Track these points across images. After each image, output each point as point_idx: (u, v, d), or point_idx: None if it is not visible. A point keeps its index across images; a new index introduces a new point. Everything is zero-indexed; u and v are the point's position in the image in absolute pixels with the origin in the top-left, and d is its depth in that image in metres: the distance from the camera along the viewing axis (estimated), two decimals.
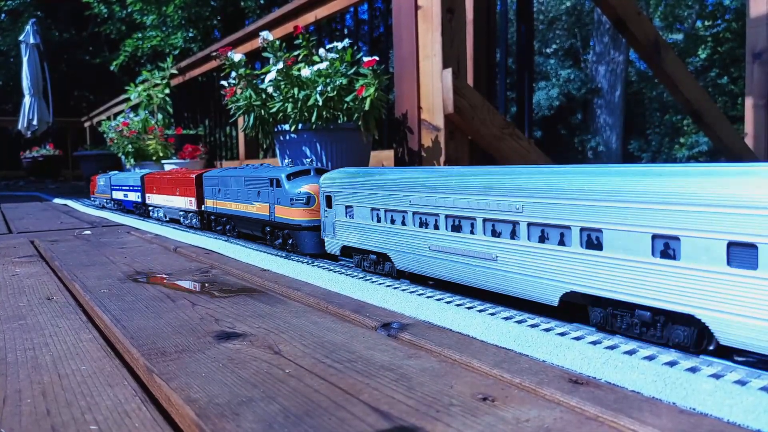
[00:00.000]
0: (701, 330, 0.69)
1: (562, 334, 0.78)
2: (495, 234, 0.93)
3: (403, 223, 1.14)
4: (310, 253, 1.51)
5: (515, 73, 2.88)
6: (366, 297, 1.06)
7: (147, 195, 2.81)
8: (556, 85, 15.87)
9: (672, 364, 0.66)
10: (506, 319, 0.87)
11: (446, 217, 1.03)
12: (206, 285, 1.26)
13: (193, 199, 2.22)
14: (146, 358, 0.77)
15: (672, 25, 15.93)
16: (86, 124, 10.38)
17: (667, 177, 0.71)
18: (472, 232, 0.97)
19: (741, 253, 0.64)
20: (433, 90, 2.23)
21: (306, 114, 2.16)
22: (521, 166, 1.13)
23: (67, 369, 0.76)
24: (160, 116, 5.45)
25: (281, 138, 2.32)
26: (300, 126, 2.20)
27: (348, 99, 2.13)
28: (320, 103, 2.10)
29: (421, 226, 1.09)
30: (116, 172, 3.65)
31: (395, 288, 1.10)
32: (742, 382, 0.60)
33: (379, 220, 1.21)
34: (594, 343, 0.74)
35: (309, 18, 3.38)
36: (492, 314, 0.89)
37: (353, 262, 1.34)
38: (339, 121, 2.19)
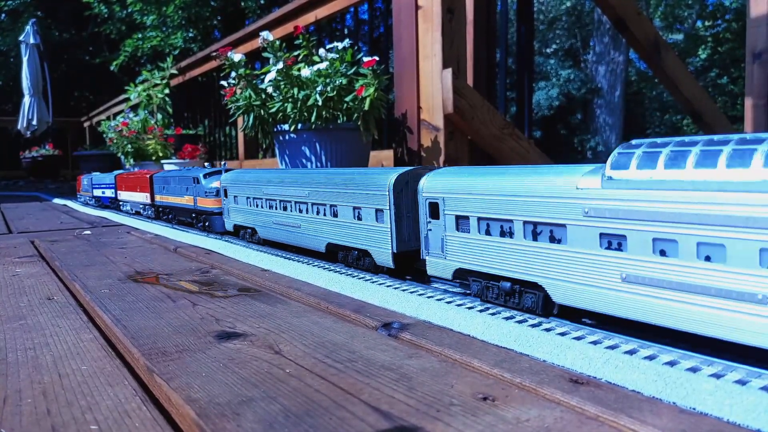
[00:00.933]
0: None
1: (563, 334, 0.78)
2: (300, 211, 1.48)
3: (261, 207, 1.68)
4: (219, 231, 2.02)
5: (515, 73, 2.88)
6: (366, 297, 1.06)
7: (118, 192, 3.27)
8: (556, 85, 15.87)
9: (672, 363, 0.66)
10: (507, 319, 0.87)
11: (279, 201, 1.57)
12: (207, 285, 1.26)
13: (148, 195, 2.70)
14: (147, 358, 0.77)
15: (672, 25, 15.94)
16: (86, 124, 10.39)
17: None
18: (291, 211, 1.51)
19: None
20: (433, 90, 2.23)
21: (306, 114, 2.17)
22: (311, 169, 1.80)
23: (68, 369, 0.76)
24: (159, 116, 5.45)
25: (281, 138, 2.32)
26: (299, 126, 2.20)
27: (348, 99, 2.13)
28: (320, 103, 2.10)
29: (269, 208, 1.63)
30: (97, 173, 4.08)
31: (396, 288, 1.10)
32: (742, 382, 0.60)
33: (250, 205, 1.74)
34: (594, 343, 0.74)
35: (309, 18, 3.38)
36: (493, 314, 0.89)
37: (240, 236, 1.87)
38: (339, 121, 2.19)
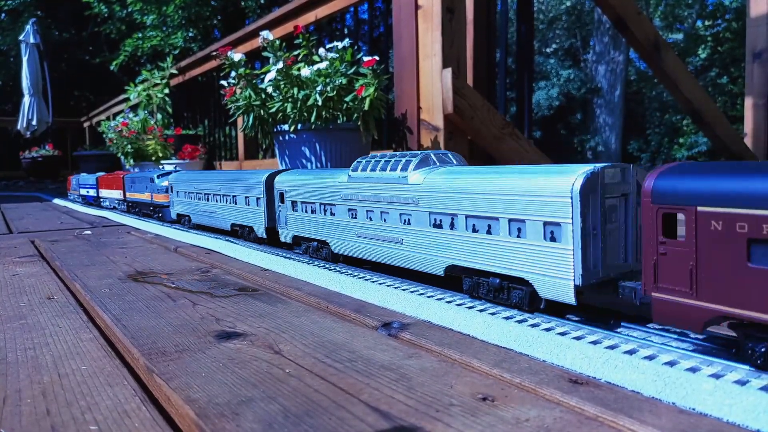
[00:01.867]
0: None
1: (563, 334, 0.78)
2: (215, 201, 2.02)
3: (194, 199, 2.20)
4: (168, 220, 2.52)
5: (515, 73, 2.88)
6: (366, 297, 1.06)
7: (99, 190, 3.81)
8: (556, 84, 15.87)
9: (672, 363, 0.66)
10: (506, 319, 0.87)
11: (203, 194, 2.11)
12: (207, 284, 1.26)
13: (122, 192, 3.24)
14: (146, 358, 0.77)
15: (672, 24, 15.93)
16: (86, 125, 10.38)
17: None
18: (210, 201, 2.06)
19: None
20: (432, 90, 2.22)
21: (305, 114, 2.16)
22: (222, 171, 2.62)
23: (68, 369, 0.76)
24: (159, 116, 5.45)
25: (281, 138, 2.32)
26: (299, 126, 2.20)
27: (347, 99, 2.13)
28: (320, 103, 2.10)
29: (197, 200, 2.17)
30: (84, 174, 4.61)
31: (396, 288, 1.10)
32: (741, 382, 0.60)
33: (186, 198, 2.28)
34: (594, 343, 0.74)
35: (309, 18, 3.38)
36: (492, 314, 0.89)
37: (182, 223, 2.37)
38: (338, 121, 2.19)
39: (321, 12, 3.27)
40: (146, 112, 5.42)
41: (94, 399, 0.66)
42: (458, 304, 0.96)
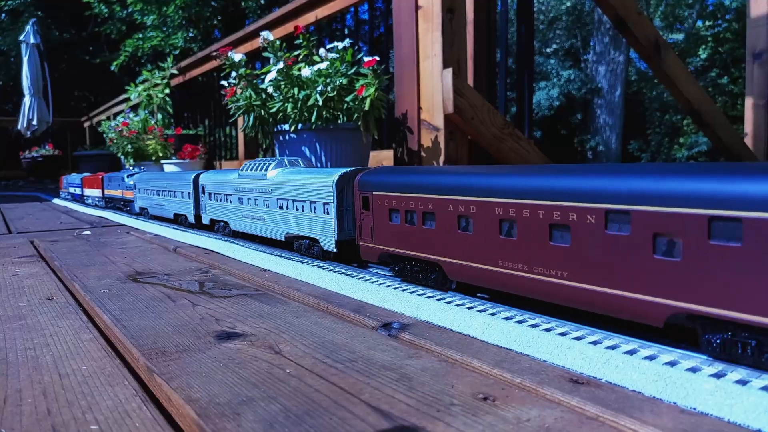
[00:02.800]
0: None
1: (563, 334, 0.78)
2: (164, 196, 2.48)
3: (150, 194, 2.69)
4: (134, 213, 3.00)
5: (515, 73, 2.88)
6: (366, 297, 1.06)
7: (84, 189, 4.21)
8: (557, 85, 15.87)
9: (672, 363, 0.66)
10: (507, 319, 0.87)
11: (157, 191, 2.58)
12: (206, 285, 1.26)
13: (101, 190, 3.69)
14: (147, 358, 0.77)
15: (672, 25, 15.93)
16: (86, 124, 10.38)
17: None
18: (161, 196, 2.52)
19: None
20: (433, 90, 2.22)
21: (306, 114, 2.16)
22: (169, 172, 3.33)
23: (68, 369, 0.76)
24: (159, 116, 5.45)
25: (281, 138, 2.32)
26: (300, 126, 2.20)
27: (348, 99, 2.13)
28: (320, 103, 2.10)
29: (154, 195, 2.65)
30: (73, 174, 4.96)
31: (396, 288, 1.10)
32: (742, 382, 0.60)
33: (146, 194, 2.76)
34: (595, 343, 0.74)
35: (309, 18, 3.38)
36: (492, 314, 0.89)
37: (144, 215, 2.87)
38: (339, 121, 2.19)
39: (321, 12, 3.27)
40: (147, 112, 5.42)
41: (94, 399, 0.66)
42: (458, 305, 0.96)
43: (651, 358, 0.68)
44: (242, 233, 1.88)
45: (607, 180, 0.75)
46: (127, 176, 3.12)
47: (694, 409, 0.57)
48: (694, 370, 0.64)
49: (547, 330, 0.80)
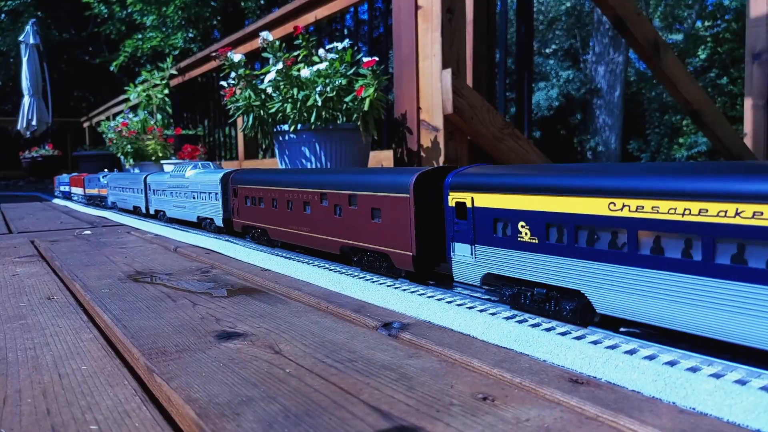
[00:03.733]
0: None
1: (563, 334, 0.78)
2: (127, 192, 3.12)
3: (118, 191, 3.28)
4: (108, 207, 3.52)
5: (515, 74, 2.88)
6: (366, 297, 1.06)
7: (71, 188, 4.71)
8: (556, 85, 15.87)
9: (672, 363, 0.66)
10: (507, 319, 0.87)
11: (122, 188, 3.20)
12: (207, 285, 1.26)
13: (83, 189, 4.19)
14: (147, 358, 0.77)
15: (672, 25, 15.94)
16: (85, 125, 10.38)
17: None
18: (125, 192, 3.14)
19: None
20: (432, 90, 2.23)
21: (305, 114, 2.16)
22: (133, 172, 4.05)
23: (68, 369, 0.76)
24: (159, 116, 5.45)
25: (280, 138, 2.32)
26: (299, 126, 2.20)
27: (347, 99, 2.13)
28: (319, 104, 2.10)
29: (120, 191, 3.24)
30: (64, 175, 5.38)
31: (396, 288, 1.10)
32: (742, 382, 0.60)
33: (116, 191, 3.33)
34: (594, 343, 0.74)
35: (309, 18, 3.38)
36: (493, 314, 0.89)
37: (114, 209, 3.41)
38: (338, 122, 2.19)
39: (321, 12, 3.27)
40: (146, 112, 5.42)
41: (94, 399, 0.66)
42: (458, 305, 0.96)
43: (650, 357, 0.68)
44: (175, 219, 2.48)
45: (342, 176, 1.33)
46: (102, 177, 3.75)
47: (694, 409, 0.57)
48: (693, 369, 0.64)
49: (547, 330, 0.80)
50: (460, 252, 0.97)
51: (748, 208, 0.59)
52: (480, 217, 0.92)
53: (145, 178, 2.73)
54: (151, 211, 2.70)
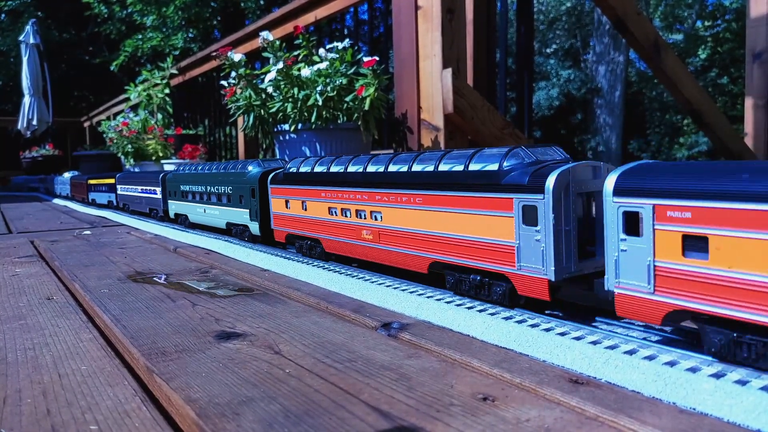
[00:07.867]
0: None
1: (563, 334, 0.78)
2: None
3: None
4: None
5: (515, 73, 2.88)
6: (366, 297, 1.06)
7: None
8: (556, 85, 15.86)
9: (672, 364, 0.66)
10: (506, 319, 0.86)
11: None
12: (206, 285, 1.26)
13: (86, 196, 4.47)
14: (146, 358, 0.77)
15: (672, 25, 15.93)
16: (86, 124, 10.37)
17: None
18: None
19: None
20: (432, 90, 2.22)
21: (306, 114, 2.16)
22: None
23: (67, 369, 0.76)
24: (159, 116, 5.44)
25: (281, 138, 2.32)
26: (300, 126, 2.20)
27: (348, 99, 2.13)
28: (320, 103, 2.10)
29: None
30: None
31: (395, 288, 1.09)
32: (742, 382, 0.60)
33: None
34: (594, 343, 0.74)
35: (309, 18, 3.38)
36: (492, 314, 0.89)
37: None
38: (339, 121, 2.19)
39: (321, 12, 3.27)
40: (146, 112, 5.42)
41: (94, 399, 0.66)
42: (458, 305, 0.96)
43: (650, 358, 0.68)
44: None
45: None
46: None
47: (694, 409, 0.57)
48: (693, 370, 0.64)
49: (547, 330, 0.80)
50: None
51: None
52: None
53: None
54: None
